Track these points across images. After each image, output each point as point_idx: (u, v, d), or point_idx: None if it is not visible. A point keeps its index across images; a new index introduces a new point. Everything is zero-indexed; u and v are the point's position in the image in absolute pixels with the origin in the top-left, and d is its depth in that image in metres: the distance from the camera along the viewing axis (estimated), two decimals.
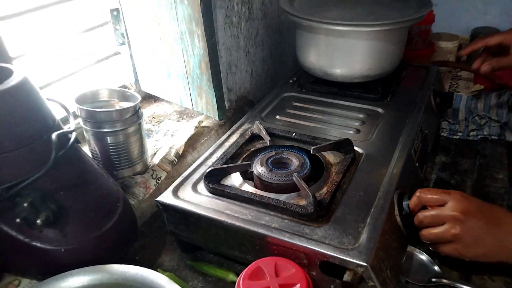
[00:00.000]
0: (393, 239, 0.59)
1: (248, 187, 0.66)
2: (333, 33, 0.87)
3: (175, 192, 0.66)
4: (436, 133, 0.95)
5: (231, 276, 0.64)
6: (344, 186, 0.64)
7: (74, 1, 0.86)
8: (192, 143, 0.88)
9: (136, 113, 0.74)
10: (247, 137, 0.77)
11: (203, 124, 0.93)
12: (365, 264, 0.51)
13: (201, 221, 0.62)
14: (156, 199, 0.65)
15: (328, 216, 0.59)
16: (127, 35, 0.97)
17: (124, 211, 0.63)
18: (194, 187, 0.67)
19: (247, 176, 0.71)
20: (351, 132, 0.80)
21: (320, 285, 0.56)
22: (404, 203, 0.62)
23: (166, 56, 0.90)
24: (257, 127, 0.78)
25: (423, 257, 0.64)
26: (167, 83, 0.95)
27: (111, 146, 0.73)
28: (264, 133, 0.76)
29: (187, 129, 0.90)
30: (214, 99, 0.87)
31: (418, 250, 0.64)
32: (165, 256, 0.71)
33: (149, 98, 1.05)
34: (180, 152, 0.84)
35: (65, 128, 0.62)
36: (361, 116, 0.85)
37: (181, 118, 0.98)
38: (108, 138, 0.72)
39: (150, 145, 0.86)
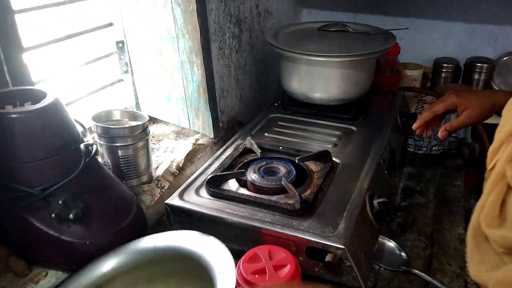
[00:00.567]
0: (366, 230, 0.71)
1: (244, 191, 0.77)
2: (312, 63, 1.01)
3: (181, 196, 0.77)
4: (403, 148, 1.09)
5: None
6: (325, 189, 0.77)
7: (85, 34, 0.99)
8: (190, 158, 0.99)
9: (144, 130, 0.85)
10: (240, 150, 0.89)
11: (199, 142, 1.05)
12: (343, 247, 0.63)
13: (204, 219, 0.73)
14: (165, 201, 0.76)
15: (312, 212, 0.71)
16: (130, 64, 1.09)
17: (137, 212, 0.74)
18: (197, 191, 0.78)
19: (241, 184, 0.82)
20: (330, 146, 0.92)
21: (306, 268, 0.67)
22: (375, 202, 0.75)
23: (167, 82, 1.03)
24: (249, 142, 0.90)
25: (393, 246, 0.75)
26: (167, 106, 1.07)
27: (121, 158, 0.84)
28: (256, 147, 0.88)
29: (185, 146, 1.02)
30: (210, 119, 0.99)
31: (388, 239, 0.76)
32: None
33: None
34: (181, 165, 0.95)
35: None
36: (337, 133, 0.98)
37: (179, 137, 1.10)
38: (119, 151, 0.83)
39: (152, 160, 0.96)
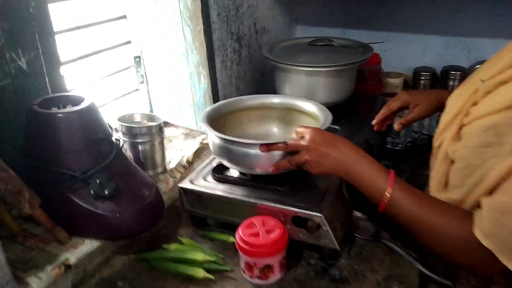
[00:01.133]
0: (341, 205, 0.87)
1: (242, 176, 0.94)
2: (302, 73, 1.19)
3: (191, 181, 0.93)
4: (382, 145, 1.25)
5: (231, 239, 0.91)
6: (310, 175, 0.93)
7: (108, 51, 1.17)
8: (198, 154, 1.16)
9: (160, 130, 1.02)
10: None
11: (205, 141, 1.22)
12: (320, 215, 0.79)
13: (212, 199, 0.90)
14: (179, 185, 0.92)
15: (298, 191, 0.87)
16: (145, 76, 1.27)
17: (156, 194, 0.90)
18: (204, 178, 0.95)
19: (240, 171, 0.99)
20: None
21: (292, 234, 0.83)
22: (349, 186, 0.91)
23: (178, 90, 1.20)
24: None
25: (366, 219, 0.91)
26: (178, 111, 1.24)
27: (141, 152, 1.01)
28: None
29: (194, 144, 1.19)
30: None
31: (362, 215, 0.92)
32: (182, 230, 0.97)
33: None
34: (190, 160, 1.12)
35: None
36: None
37: (187, 138, 1.27)
38: (139, 146, 1.00)
39: (166, 155, 1.13)
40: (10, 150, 0.84)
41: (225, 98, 1.25)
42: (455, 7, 1.54)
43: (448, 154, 0.76)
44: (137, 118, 1.05)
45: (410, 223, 0.72)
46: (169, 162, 1.11)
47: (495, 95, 0.70)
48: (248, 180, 0.91)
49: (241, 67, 1.33)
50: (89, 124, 0.84)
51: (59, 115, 0.81)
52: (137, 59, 1.25)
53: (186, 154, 1.13)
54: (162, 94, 1.26)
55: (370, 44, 1.28)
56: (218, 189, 0.91)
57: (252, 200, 0.86)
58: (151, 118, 1.06)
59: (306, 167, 0.80)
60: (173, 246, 0.90)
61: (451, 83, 1.55)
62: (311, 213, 0.80)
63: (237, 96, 1.31)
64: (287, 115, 1.03)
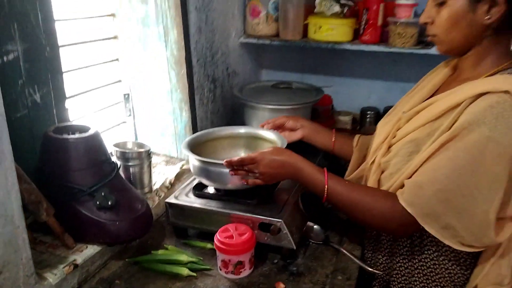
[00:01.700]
0: (297, 214, 1.09)
1: (218, 192, 1.14)
2: (266, 110, 1.43)
3: (176, 197, 1.13)
4: (332, 171, 1.49)
5: (208, 245, 1.10)
6: (272, 191, 1.15)
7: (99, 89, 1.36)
8: (178, 177, 1.36)
9: (148, 155, 1.22)
10: None
11: (184, 166, 1.42)
12: (280, 220, 1.00)
13: (193, 211, 1.09)
14: (166, 200, 1.12)
15: (263, 203, 1.08)
16: (133, 110, 1.47)
17: (147, 207, 1.09)
18: (187, 195, 1.15)
19: (216, 189, 1.20)
20: None
21: (259, 237, 1.03)
22: (304, 199, 1.13)
23: (161, 122, 1.41)
24: None
25: (318, 228, 1.13)
26: (160, 140, 1.44)
27: (132, 174, 1.20)
28: None
29: (174, 169, 1.38)
30: None
31: (315, 224, 1.14)
32: (167, 240, 1.15)
33: None
34: (172, 182, 1.31)
35: None
36: None
37: (168, 164, 1.46)
38: (131, 168, 1.19)
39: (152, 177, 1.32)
40: (25, 169, 1.01)
41: (202, 130, 1.47)
42: (393, 58, 1.86)
43: (380, 165, 1.01)
44: (129, 145, 1.24)
45: (347, 205, 0.96)
46: (154, 183, 1.30)
47: (414, 121, 0.97)
48: (222, 195, 1.12)
49: (215, 104, 1.56)
50: (94, 148, 1.03)
51: (71, 140, 1.00)
52: (126, 96, 1.45)
53: (169, 176, 1.33)
54: (146, 125, 1.46)
55: (321, 88, 1.55)
56: (198, 203, 1.11)
57: (226, 211, 1.06)
58: (140, 145, 1.25)
59: (260, 177, 1.02)
60: (160, 251, 1.08)
61: None
62: (273, 219, 1.02)
63: (211, 128, 1.53)
64: (252, 142, 1.25)
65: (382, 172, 1.01)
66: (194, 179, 1.23)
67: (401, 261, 1.02)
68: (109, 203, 0.99)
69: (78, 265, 0.96)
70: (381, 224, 0.94)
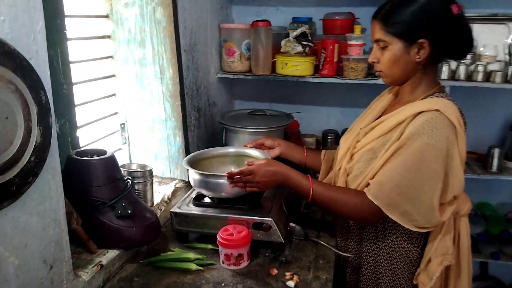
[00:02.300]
0: (283, 215, 1.33)
1: (214, 202, 1.36)
2: (245, 133, 1.68)
3: (179, 207, 1.33)
4: None
5: (209, 246, 1.30)
6: (261, 198, 1.38)
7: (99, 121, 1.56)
8: (173, 194, 1.56)
9: (150, 174, 1.42)
10: None
11: (178, 185, 1.62)
12: (271, 219, 1.24)
13: (195, 218, 1.30)
14: (171, 210, 1.31)
15: (254, 207, 1.31)
16: (128, 138, 1.67)
17: (156, 217, 1.28)
18: (187, 205, 1.35)
19: (212, 199, 1.41)
20: None
21: (253, 235, 1.25)
22: (286, 202, 1.37)
23: (155, 147, 1.62)
24: None
25: (299, 228, 1.37)
26: (154, 163, 1.64)
27: (137, 190, 1.39)
28: None
29: (169, 187, 1.58)
30: (185, 169, 1.58)
31: (296, 225, 1.37)
32: (171, 245, 1.34)
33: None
34: (170, 197, 1.51)
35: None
36: None
37: (161, 184, 1.66)
38: (136, 186, 1.38)
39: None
40: None
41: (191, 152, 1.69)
42: (347, 88, 2.19)
43: (346, 170, 1.27)
44: (134, 166, 1.44)
45: (328, 203, 1.20)
46: (154, 199, 1.49)
47: (369, 135, 1.25)
48: (218, 203, 1.34)
49: (199, 130, 1.78)
50: (112, 168, 1.23)
51: (93, 161, 1.19)
52: (122, 125, 1.65)
53: (166, 193, 1.52)
54: (140, 151, 1.65)
55: (291, 114, 1.83)
56: (198, 211, 1.32)
57: (224, 215, 1.28)
58: (143, 166, 1.45)
59: (257, 185, 1.23)
60: (169, 253, 1.27)
61: None
62: (264, 219, 1.25)
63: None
64: (239, 159, 1.49)
65: (348, 175, 1.27)
66: (190, 193, 1.44)
67: (368, 245, 1.28)
68: (129, 212, 1.18)
69: (103, 266, 1.13)
70: (355, 215, 1.19)
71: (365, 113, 1.42)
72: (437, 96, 1.18)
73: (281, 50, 1.94)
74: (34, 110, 0.81)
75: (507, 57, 2.07)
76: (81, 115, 1.42)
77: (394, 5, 1.15)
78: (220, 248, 1.21)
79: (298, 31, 1.91)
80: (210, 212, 1.31)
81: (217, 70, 2.00)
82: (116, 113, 1.63)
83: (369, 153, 1.22)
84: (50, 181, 0.92)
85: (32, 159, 0.81)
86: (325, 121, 2.27)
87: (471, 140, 2.20)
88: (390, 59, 1.17)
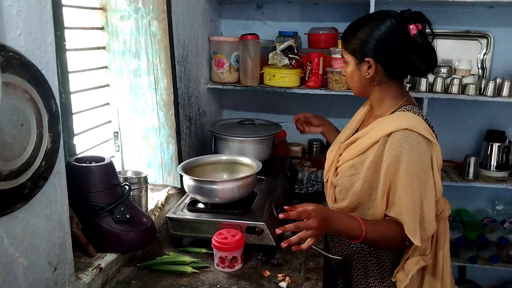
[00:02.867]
0: (274, 220, 1.39)
1: (208, 207, 1.41)
2: (235, 141, 1.74)
3: (174, 213, 1.38)
4: (292, 189, 1.82)
5: (203, 250, 1.35)
6: (252, 203, 1.44)
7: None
8: (166, 200, 1.60)
9: (145, 180, 1.46)
10: None
11: (170, 192, 1.67)
12: (263, 223, 1.30)
13: (189, 222, 1.35)
14: (166, 215, 1.36)
15: (246, 212, 1.37)
16: (121, 146, 1.71)
17: (151, 221, 1.32)
18: (182, 210, 1.40)
19: (205, 204, 1.46)
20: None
21: (246, 239, 1.31)
22: (277, 208, 1.44)
23: (149, 155, 1.66)
24: None
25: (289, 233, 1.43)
26: (146, 171, 1.68)
27: (133, 196, 1.43)
28: None
29: (162, 194, 1.63)
30: (178, 176, 1.63)
31: None
32: (166, 249, 1.38)
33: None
34: (163, 203, 1.55)
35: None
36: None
37: (153, 191, 1.70)
38: (131, 192, 1.42)
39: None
40: None
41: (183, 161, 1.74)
42: (331, 99, 2.28)
43: (333, 183, 1.34)
44: (129, 173, 1.48)
45: (375, 240, 1.21)
46: (148, 205, 1.54)
47: (348, 151, 1.31)
48: (212, 209, 1.39)
49: (190, 138, 1.84)
50: (110, 174, 1.27)
51: (92, 167, 1.23)
52: (116, 134, 1.69)
53: (160, 199, 1.57)
54: (133, 158, 1.69)
55: (279, 123, 1.90)
56: (192, 216, 1.37)
57: (218, 220, 1.34)
58: (137, 173, 1.50)
59: (312, 231, 1.12)
60: (165, 257, 1.31)
61: None
62: (257, 223, 1.31)
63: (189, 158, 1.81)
64: (231, 166, 1.55)
65: (335, 187, 1.34)
66: (184, 199, 1.49)
67: (358, 245, 1.36)
68: (127, 216, 1.22)
69: (102, 269, 1.17)
70: (395, 246, 1.26)
71: (350, 123, 1.49)
72: (404, 110, 1.25)
73: (269, 62, 2.02)
74: (45, 117, 0.86)
75: (480, 71, 2.20)
76: (75, 123, 1.46)
77: (352, 26, 1.29)
78: (215, 251, 1.26)
79: (285, 44, 2.00)
80: (204, 217, 1.36)
81: (207, 80, 2.06)
82: (110, 121, 1.67)
83: (351, 170, 1.27)
84: (56, 185, 0.96)
85: (43, 164, 0.86)
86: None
87: (448, 149, 2.36)
88: (347, 74, 1.32)
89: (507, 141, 2.17)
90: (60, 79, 1.31)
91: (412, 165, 1.18)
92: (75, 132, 1.40)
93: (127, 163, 1.72)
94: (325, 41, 2.09)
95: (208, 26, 2.05)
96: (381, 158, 1.22)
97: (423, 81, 2.02)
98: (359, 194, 1.25)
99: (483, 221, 2.31)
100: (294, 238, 1.13)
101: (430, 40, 1.26)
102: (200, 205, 1.43)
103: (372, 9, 1.89)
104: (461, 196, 2.37)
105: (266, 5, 2.30)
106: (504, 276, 2.44)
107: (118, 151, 1.71)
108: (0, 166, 0.76)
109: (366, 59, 1.24)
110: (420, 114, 1.26)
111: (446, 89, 2.03)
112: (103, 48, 1.60)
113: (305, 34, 2.18)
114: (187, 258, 1.28)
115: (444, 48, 2.19)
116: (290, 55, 1.99)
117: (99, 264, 1.17)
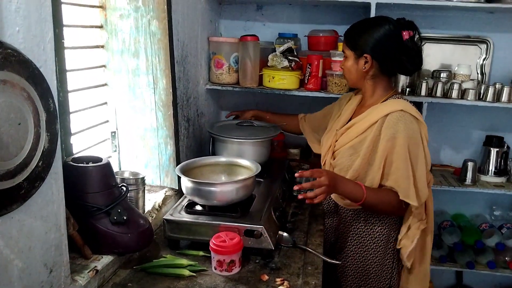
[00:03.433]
0: (272, 223, 1.38)
1: (205, 210, 1.40)
2: (234, 143, 1.72)
3: (171, 215, 1.36)
4: (290, 192, 1.80)
5: (200, 253, 1.33)
6: (250, 206, 1.43)
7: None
8: (164, 201, 1.58)
9: (143, 181, 1.45)
10: None
11: (168, 193, 1.65)
12: (262, 226, 1.28)
13: (187, 225, 1.33)
14: (163, 217, 1.34)
15: (244, 215, 1.36)
16: (118, 146, 1.69)
17: (149, 223, 1.31)
18: (179, 212, 1.38)
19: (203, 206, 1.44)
20: None
21: (245, 242, 1.29)
22: (276, 212, 1.42)
23: (146, 155, 1.64)
24: None
25: (287, 235, 1.42)
26: (143, 172, 1.66)
27: (130, 197, 1.41)
28: None
29: (160, 195, 1.61)
30: (176, 177, 1.61)
31: (285, 233, 1.42)
32: (162, 252, 1.36)
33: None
34: (160, 205, 1.54)
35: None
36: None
37: (150, 192, 1.68)
38: (129, 193, 1.40)
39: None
40: None
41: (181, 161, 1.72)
42: (330, 102, 2.26)
43: (331, 165, 1.47)
44: (126, 174, 1.46)
45: (374, 203, 1.42)
46: (145, 206, 1.52)
47: (346, 135, 1.49)
48: (210, 211, 1.38)
49: (189, 140, 1.82)
50: (107, 174, 1.25)
51: (90, 168, 1.21)
52: (113, 134, 1.67)
53: (157, 200, 1.55)
54: (130, 159, 1.67)
55: (277, 125, 1.89)
56: (190, 218, 1.35)
57: (216, 222, 1.32)
58: (135, 174, 1.48)
59: (324, 187, 1.33)
60: (162, 259, 1.29)
61: None
62: (255, 226, 1.29)
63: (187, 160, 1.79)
64: (230, 168, 1.54)
65: (333, 168, 1.50)
66: (181, 201, 1.48)
67: (354, 244, 1.43)
68: (124, 218, 1.20)
69: (98, 271, 1.15)
70: (394, 212, 1.48)
71: (339, 114, 1.66)
72: (395, 98, 1.50)
73: (268, 64, 2.01)
74: (43, 116, 0.84)
75: (480, 76, 2.20)
76: (72, 122, 1.44)
77: (355, 26, 1.51)
78: (212, 254, 1.24)
79: (285, 46, 1.99)
80: (202, 219, 1.34)
81: (206, 81, 2.05)
82: (107, 121, 1.65)
83: (350, 150, 1.49)
84: (53, 185, 0.94)
85: (40, 164, 0.84)
86: None
87: (447, 153, 2.36)
88: (346, 67, 1.53)
89: (505, 147, 2.17)
90: (58, 78, 1.30)
91: (407, 141, 1.40)
92: (72, 131, 1.38)
93: (124, 164, 1.70)
94: (325, 44, 2.08)
95: (207, 27, 2.04)
96: (379, 137, 1.43)
97: (423, 85, 2.01)
98: (358, 170, 1.46)
99: (481, 226, 2.31)
100: (309, 194, 1.33)
101: (419, 45, 1.53)
102: (198, 207, 1.42)
103: (373, 12, 1.88)
104: (459, 201, 2.37)
105: (266, 6, 2.29)
106: (501, 281, 2.44)
107: (115, 151, 1.69)
108: None
109: (364, 55, 1.46)
110: (408, 101, 1.49)
111: (445, 94, 2.02)
112: (102, 46, 1.58)
113: (305, 36, 2.17)
114: (184, 261, 1.26)
115: (443, 53, 2.19)
116: (290, 57, 1.98)
117: (95, 266, 1.15)
